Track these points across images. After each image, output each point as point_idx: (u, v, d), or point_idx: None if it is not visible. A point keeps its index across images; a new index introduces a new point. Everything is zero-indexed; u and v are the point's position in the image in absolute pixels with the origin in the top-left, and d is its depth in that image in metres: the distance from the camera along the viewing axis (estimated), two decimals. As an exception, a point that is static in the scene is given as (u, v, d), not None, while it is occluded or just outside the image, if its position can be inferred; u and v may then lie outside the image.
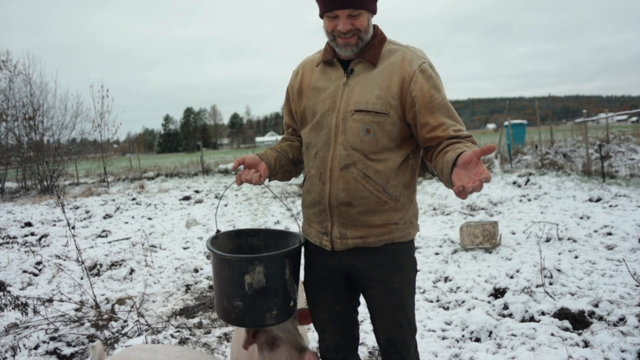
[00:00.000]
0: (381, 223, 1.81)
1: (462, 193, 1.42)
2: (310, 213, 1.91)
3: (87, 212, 10.89)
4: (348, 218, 1.80)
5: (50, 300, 4.30)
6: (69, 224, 4.60)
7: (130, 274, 5.39)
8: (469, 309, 3.85)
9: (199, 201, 11.80)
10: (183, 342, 3.56)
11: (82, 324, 3.90)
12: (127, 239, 7.44)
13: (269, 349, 1.86)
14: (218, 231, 1.97)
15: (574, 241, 5.56)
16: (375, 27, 1.85)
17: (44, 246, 7.14)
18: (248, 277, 1.71)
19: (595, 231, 5.90)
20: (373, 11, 1.80)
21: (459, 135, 1.72)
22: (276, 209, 9.79)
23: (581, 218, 6.77)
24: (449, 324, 3.63)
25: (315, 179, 1.85)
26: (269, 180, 1.99)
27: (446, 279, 4.67)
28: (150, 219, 9.57)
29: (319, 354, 2.04)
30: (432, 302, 4.18)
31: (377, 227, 1.81)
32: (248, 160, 1.90)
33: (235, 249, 2.03)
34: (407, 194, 1.85)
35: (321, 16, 1.82)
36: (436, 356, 3.15)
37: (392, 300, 1.85)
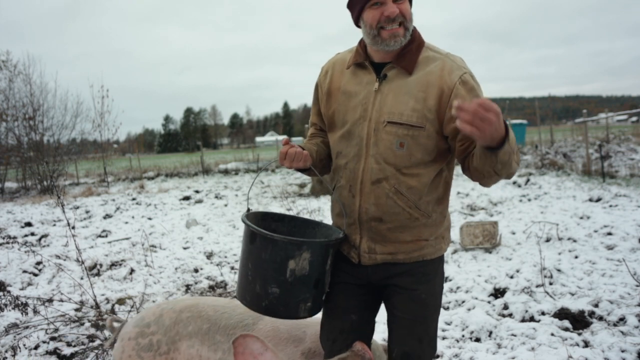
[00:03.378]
0: (411, 239, 1.74)
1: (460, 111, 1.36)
2: (339, 223, 1.84)
3: (87, 212, 10.89)
4: (378, 233, 1.74)
5: (50, 300, 4.30)
6: (69, 224, 4.59)
7: (130, 274, 5.39)
8: (469, 309, 3.85)
9: (199, 201, 11.79)
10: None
11: (82, 324, 3.90)
12: (127, 239, 7.44)
13: None
14: (249, 209, 1.87)
15: (574, 241, 5.56)
16: (414, 30, 1.74)
17: (44, 246, 7.14)
18: (292, 262, 1.62)
19: (595, 231, 5.90)
20: (411, 1, 1.71)
21: None
22: (276, 209, 9.78)
23: (581, 218, 6.77)
24: (449, 324, 3.63)
25: (345, 190, 1.78)
26: (309, 173, 1.89)
27: (446, 279, 4.67)
28: (150, 219, 9.57)
29: None
30: (432, 302, 4.18)
31: (407, 244, 1.74)
32: (295, 149, 1.76)
33: None
34: (439, 209, 1.77)
35: (359, 14, 1.71)
36: (436, 356, 3.15)
37: (415, 310, 1.76)
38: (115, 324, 2.25)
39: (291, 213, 2.07)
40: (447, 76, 1.65)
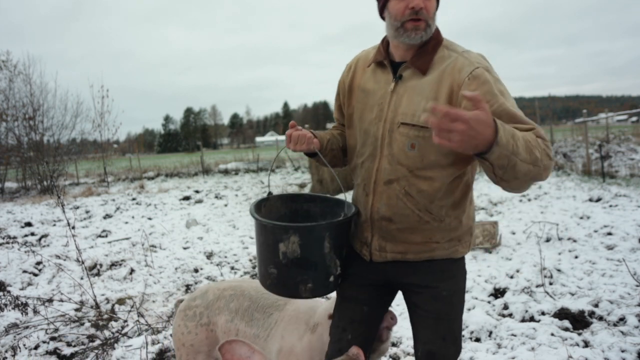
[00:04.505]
0: (421, 241, 1.73)
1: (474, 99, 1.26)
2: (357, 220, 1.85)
3: (87, 212, 10.89)
4: (388, 232, 1.74)
5: (50, 300, 4.30)
6: (69, 224, 4.59)
7: (130, 274, 5.39)
8: (469, 309, 3.85)
9: (199, 201, 11.79)
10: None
11: (82, 324, 3.90)
12: (127, 239, 7.44)
13: None
14: (270, 193, 1.90)
15: (574, 241, 5.56)
16: (435, 28, 1.71)
17: (44, 246, 7.14)
18: (282, 245, 1.67)
19: (595, 231, 5.90)
20: (438, 1, 1.69)
21: (518, 128, 1.45)
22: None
23: (581, 218, 6.77)
24: (449, 324, 3.63)
25: (360, 188, 1.80)
26: (317, 160, 1.90)
27: (446, 279, 4.66)
28: (150, 219, 9.57)
29: None
30: (432, 302, 4.18)
31: (416, 245, 1.73)
32: (299, 132, 1.78)
33: (290, 213, 1.96)
34: (455, 214, 1.72)
35: (383, 5, 1.70)
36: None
37: (439, 308, 1.74)
38: (179, 304, 2.58)
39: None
40: (457, 74, 1.60)
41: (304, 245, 1.67)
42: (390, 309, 1.95)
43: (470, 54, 1.66)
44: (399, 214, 1.70)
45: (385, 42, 1.79)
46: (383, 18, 1.74)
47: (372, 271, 1.82)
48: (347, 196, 1.95)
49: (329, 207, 1.96)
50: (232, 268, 5.56)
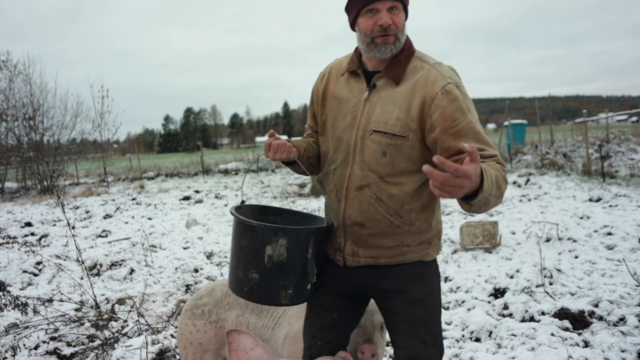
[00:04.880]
0: (393, 245, 1.76)
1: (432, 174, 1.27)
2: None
3: (87, 212, 10.90)
4: (360, 238, 1.77)
5: (50, 300, 4.30)
6: (69, 224, 4.59)
7: (130, 274, 5.38)
8: (469, 309, 3.85)
9: (199, 201, 11.79)
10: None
11: (82, 324, 3.90)
12: (127, 239, 7.44)
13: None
14: (243, 202, 1.91)
15: (574, 241, 5.56)
16: (406, 39, 1.77)
17: (44, 246, 7.14)
18: (269, 248, 1.67)
19: (595, 231, 5.90)
20: (407, 11, 1.74)
21: (480, 155, 1.49)
22: (276, 209, 9.78)
23: (581, 218, 6.77)
24: (449, 324, 3.63)
25: (333, 194, 1.82)
26: (295, 168, 1.95)
27: (446, 279, 4.67)
28: (150, 219, 9.57)
29: None
30: (432, 302, 4.18)
31: (388, 249, 1.77)
32: (278, 141, 1.81)
33: None
34: (424, 217, 1.77)
35: (354, 19, 1.75)
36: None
37: (413, 311, 1.75)
38: (181, 304, 2.62)
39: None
40: (430, 86, 1.66)
41: (290, 249, 1.68)
42: (371, 344, 1.93)
43: (442, 67, 1.73)
44: (370, 219, 1.74)
45: (358, 52, 1.83)
46: (354, 30, 1.79)
47: (344, 278, 1.85)
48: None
49: (297, 221, 1.97)
50: (232, 268, 5.56)
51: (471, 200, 1.43)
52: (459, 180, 1.28)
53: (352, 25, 1.78)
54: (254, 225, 1.69)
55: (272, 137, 1.81)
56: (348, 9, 1.77)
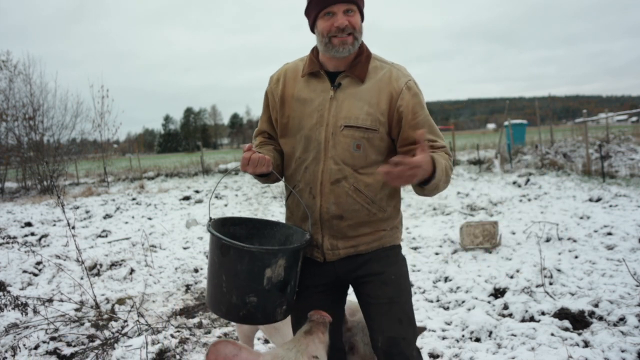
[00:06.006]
0: (370, 231, 1.88)
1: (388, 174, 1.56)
2: (301, 226, 1.92)
3: (87, 212, 10.89)
4: (339, 231, 1.85)
5: (50, 300, 4.29)
6: (69, 224, 4.58)
7: (130, 274, 5.39)
8: (469, 309, 3.85)
9: (199, 201, 11.80)
10: (183, 342, 3.56)
11: (82, 324, 3.90)
12: (127, 239, 7.44)
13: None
14: (211, 219, 1.85)
15: (574, 241, 5.56)
16: (362, 43, 1.89)
17: (44, 246, 7.14)
18: (269, 270, 1.65)
19: (595, 231, 5.90)
20: (363, 13, 1.85)
21: (432, 146, 1.80)
22: (276, 209, 9.78)
23: (581, 218, 6.77)
24: (449, 324, 3.63)
25: (305, 192, 1.88)
26: (264, 179, 1.96)
27: (446, 279, 4.67)
28: (150, 219, 9.57)
29: None
30: (432, 302, 4.18)
31: (366, 236, 1.87)
32: (258, 155, 1.81)
33: None
34: (392, 203, 1.92)
35: (313, 22, 1.85)
36: (436, 356, 3.15)
37: (389, 292, 1.84)
38: None
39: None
40: (395, 82, 1.83)
41: (287, 267, 1.69)
42: (313, 312, 1.93)
43: (400, 66, 1.92)
44: (349, 210, 1.83)
45: (315, 53, 1.92)
46: (314, 32, 1.89)
47: (324, 273, 1.90)
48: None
49: (255, 228, 1.97)
50: (232, 268, 5.56)
51: (424, 185, 1.69)
52: (412, 171, 1.56)
53: (312, 28, 1.88)
54: (254, 250, 1.64)
55: (250, 150, 1.79)
56: (307, 13, 1.87)
